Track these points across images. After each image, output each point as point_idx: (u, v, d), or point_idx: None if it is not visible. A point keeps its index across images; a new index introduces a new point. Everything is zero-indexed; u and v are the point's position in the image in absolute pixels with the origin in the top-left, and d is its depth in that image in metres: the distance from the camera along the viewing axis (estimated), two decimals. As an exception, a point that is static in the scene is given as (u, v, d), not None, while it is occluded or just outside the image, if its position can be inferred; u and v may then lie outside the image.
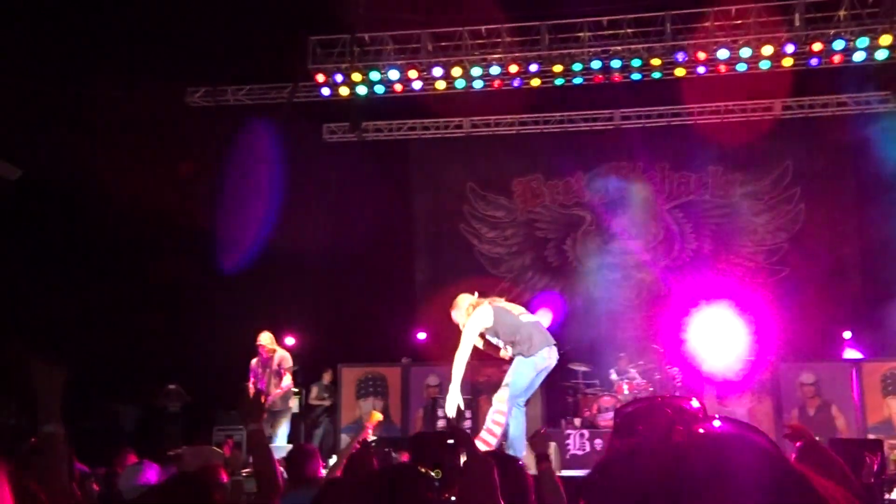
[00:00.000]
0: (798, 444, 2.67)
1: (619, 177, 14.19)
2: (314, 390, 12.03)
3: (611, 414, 10.82)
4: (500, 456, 2.92)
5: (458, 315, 7.32)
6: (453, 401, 6.99)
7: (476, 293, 7.41)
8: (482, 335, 7.32)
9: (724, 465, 0.83)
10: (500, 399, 7.05)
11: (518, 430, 7.07)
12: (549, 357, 7.16)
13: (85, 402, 12.71)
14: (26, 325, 12.34)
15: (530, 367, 7.08)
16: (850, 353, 11.67)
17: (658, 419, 0.90)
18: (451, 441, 1.88)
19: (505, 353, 7.35)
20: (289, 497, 3.92)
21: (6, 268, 12.19)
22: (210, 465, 5.03)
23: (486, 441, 6.83)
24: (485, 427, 7.04)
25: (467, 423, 9.89)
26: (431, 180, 14.71)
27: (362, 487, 1.67)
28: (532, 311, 7.86)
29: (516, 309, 7.46)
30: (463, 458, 1.83)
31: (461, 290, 13.62)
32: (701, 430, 0.88)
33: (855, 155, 13.36)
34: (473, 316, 7.14)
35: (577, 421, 11.13)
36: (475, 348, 7.31)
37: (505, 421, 6.98)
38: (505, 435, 6.99)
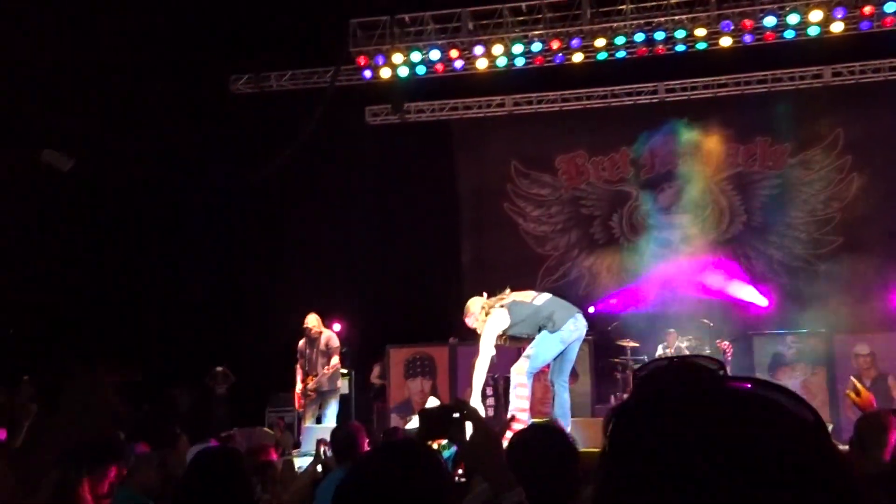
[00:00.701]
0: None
1: (666, 150, 14.03)
2: (375, 369, 12.21)
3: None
4: (546, 427, 2.93)
5: (472, 321, 7.30)
6: (475, 402, 7.03)
7: (485, 294, 7.35)
8: (504, 337, 7.28)
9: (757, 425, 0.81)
10: (519, 371, 7.04)
11: (562, 409, 7.05)
12: (576, 328, 7.11)
13: (141, 385, 13.02)
14: (81, 312, 12.66)
15: (556, 341, 7.04)
16: None
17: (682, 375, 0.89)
18: (457, 415, 1.90)
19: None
20: (335, 473, 3.99)
21: (62, 256, 12.51)
22: (261, 444, 5.14)
23: (520, 416, 6.82)
24: (511, 406, 7.02)
25: (490, 401, 9.96)
26: (475, 159, 14.67)
27: (372, 464, 1.70)
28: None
29: (527, 296, 7.38)
30: (469, 432, 1.84)
31: (507, 269, 13.69)
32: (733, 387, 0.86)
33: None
34: (489, 322, 7.09)
35: (626, 397, 11.07)
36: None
37: (528, 392, 6.97)
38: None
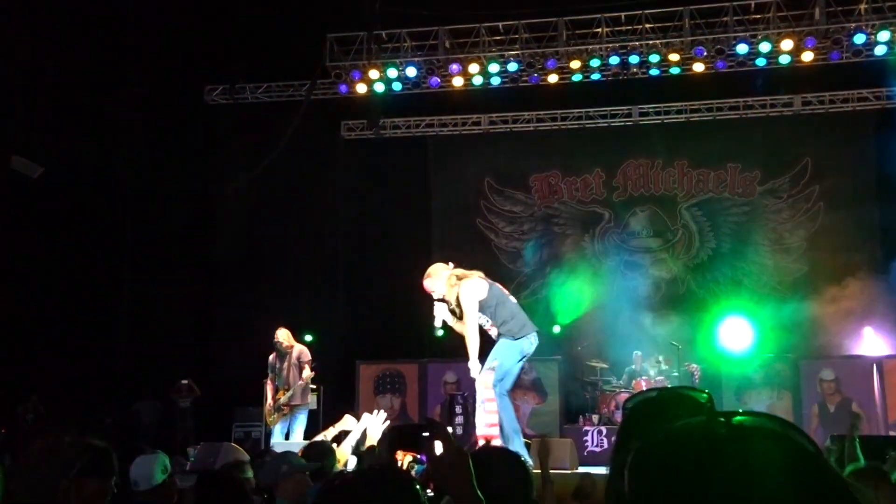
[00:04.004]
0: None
1: (638, 174, 14.16)
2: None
3: (629, 411, 10.79)
4: (501, 449, 2.91)
5: (433, 284, 6.92)
6: (474, 367, 6.75)
7: (451, 263, 7.05)
8: (443, 322, 6.93)
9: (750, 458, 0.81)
10: (486, 385, 6.74)
11: (513, 425, 6.85)
12: (533, 343, 6.91)
13: (106, 398, 12.81)
14: (46, 322, 12.44)
15: (516, 351, 6.83)
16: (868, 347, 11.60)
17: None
18: (426, 434, 1.90)
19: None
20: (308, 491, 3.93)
21: (28, 265, 12.29)
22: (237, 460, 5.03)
23: (489, 431, 6.63)
24: (479, 421, 6.78)
25: (459, 419, 9.84)
26: (449, 176, 14.66)
27: (348, 487, 1.68)
28: None
29: (504, 290, 7.16)
30: (438, 450, 1.83)
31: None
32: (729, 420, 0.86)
33: (877, 151, 13.23)
34: (468, 287, 6.78)
35: (595, 417, 11.12)
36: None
37: (496, 406, 6.69)
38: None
